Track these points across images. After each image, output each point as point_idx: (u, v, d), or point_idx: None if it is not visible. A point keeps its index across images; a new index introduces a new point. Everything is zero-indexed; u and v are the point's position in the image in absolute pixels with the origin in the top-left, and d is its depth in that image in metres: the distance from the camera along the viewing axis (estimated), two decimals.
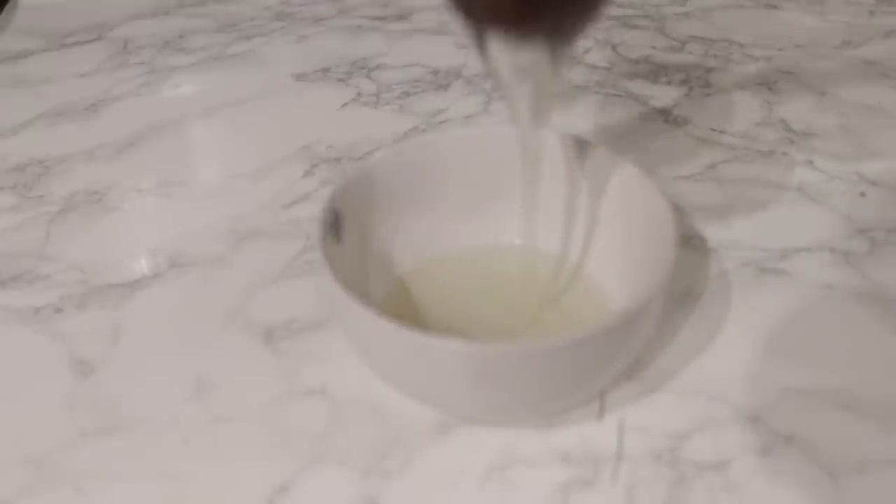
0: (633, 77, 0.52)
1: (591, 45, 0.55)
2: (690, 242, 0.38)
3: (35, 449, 0.31)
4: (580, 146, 0.34)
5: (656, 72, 0.52)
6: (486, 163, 0.35)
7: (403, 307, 0.34)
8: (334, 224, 0.32)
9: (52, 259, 0.40)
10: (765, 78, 0.51)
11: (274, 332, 0.35)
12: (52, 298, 0.37)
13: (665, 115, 0.48)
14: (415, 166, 0.35)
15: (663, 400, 0.31)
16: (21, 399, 0.33)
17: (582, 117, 0.48)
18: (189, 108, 0.52)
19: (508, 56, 0.25)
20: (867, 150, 0.44)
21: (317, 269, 0.29)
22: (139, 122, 0.50)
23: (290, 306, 0.36)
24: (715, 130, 0.46)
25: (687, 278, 0.36)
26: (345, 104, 0.51)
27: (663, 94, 0.50)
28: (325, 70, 0.55)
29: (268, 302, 0.37)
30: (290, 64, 0.55)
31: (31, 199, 0.44)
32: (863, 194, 0.41)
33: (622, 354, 0.28)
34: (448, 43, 0.57)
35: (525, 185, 0.32)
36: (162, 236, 0.41)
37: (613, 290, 0.34)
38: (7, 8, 0.64)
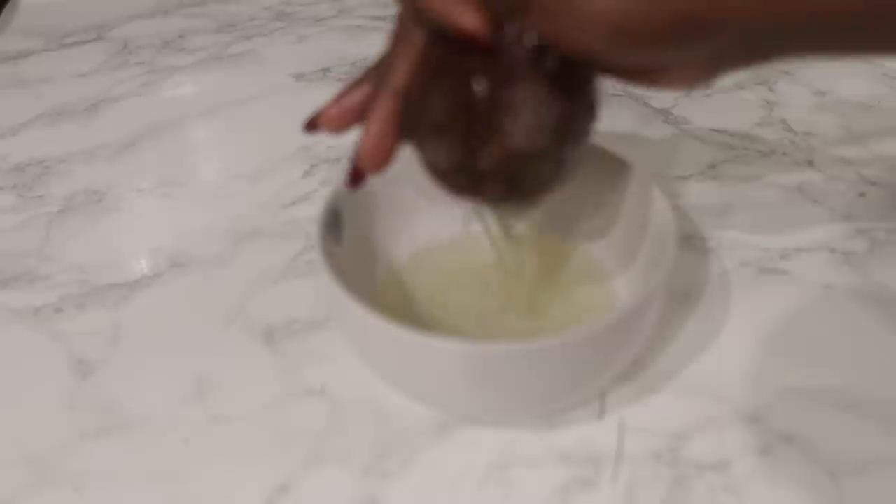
0: None
1: None
2: (690, 242, 0.38)
3: (35, 449, 0.31)
4: None
5: None
6: None
7: (404, 307, 0.34)
8: (334, 224, 0.32)
9: (52, 259, 0.40)
10: (765, 78, 0.51)
11: (274, 332, 0.35)
12: (52, 298, 0.37)
13: (665, 115, 0.48)
14: (414, 166, 0.35)
15: (663, 400, 0.31)
16: (21, 399, 0.33)
17: None
18: (189, 108, 0.52)
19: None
20: (867, 150, 0.44)
21: (317, 269, 0.29)
22: (139, 122, 0.50)
23: (290, 306, 0.36)
24: (715, 130, 0.46)
25: (687, 278, 0.36)
26: None
27: (663, 94, 0.50)
28: (325, 70, 0.55)
29: (268, 302, 0.37)
30: (290, 64, 0.55)
31: (31, 199, 0.44)
32: (863, 194, 0.41)
33: (622, 354, 0.28)
34: None
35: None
36: (162, 236, 0.41)
37: (613, 290, 0.34)
38: (7, 8, 0.64)
